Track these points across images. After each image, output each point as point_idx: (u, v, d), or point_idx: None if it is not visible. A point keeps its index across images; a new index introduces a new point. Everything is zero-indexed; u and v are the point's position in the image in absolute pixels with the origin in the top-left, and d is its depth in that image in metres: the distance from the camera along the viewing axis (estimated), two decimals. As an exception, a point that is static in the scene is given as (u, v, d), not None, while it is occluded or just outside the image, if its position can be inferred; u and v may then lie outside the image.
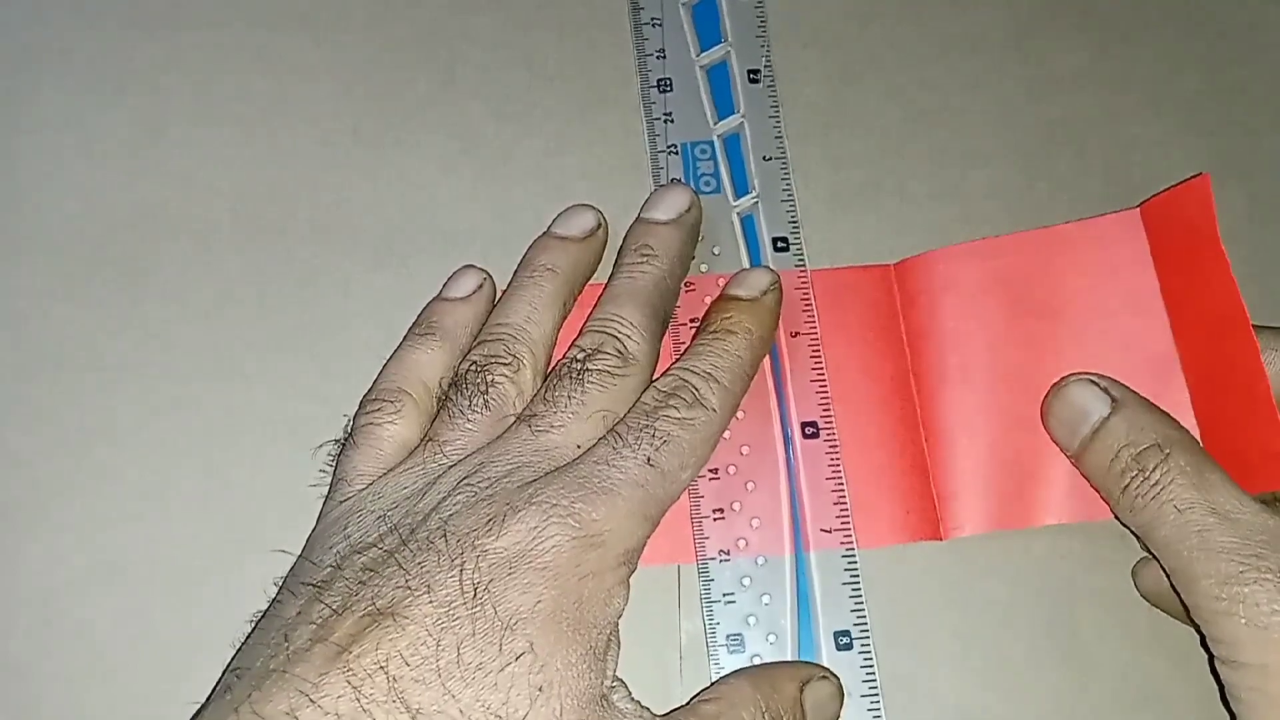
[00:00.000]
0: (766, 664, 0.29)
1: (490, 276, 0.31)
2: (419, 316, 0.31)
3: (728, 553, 0.30)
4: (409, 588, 0.23)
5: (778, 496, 0.30)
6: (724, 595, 0.29)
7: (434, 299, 0.31)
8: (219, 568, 0.29)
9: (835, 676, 0.28)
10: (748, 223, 0.33)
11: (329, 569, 0.25)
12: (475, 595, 0.23)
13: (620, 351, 0.28)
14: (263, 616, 0.26)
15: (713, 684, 0.27)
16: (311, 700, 0.21)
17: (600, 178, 0.33)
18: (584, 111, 0.34)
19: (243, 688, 0.22)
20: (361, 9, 0.35)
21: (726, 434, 0.30)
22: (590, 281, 0.32)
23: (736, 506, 0.30)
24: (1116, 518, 0.28)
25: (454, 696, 0.22)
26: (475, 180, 0.33)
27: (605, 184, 0.33)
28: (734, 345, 0.29)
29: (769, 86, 0.34)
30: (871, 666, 0.29)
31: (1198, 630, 0.26)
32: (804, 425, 0.31)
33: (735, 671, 0.27)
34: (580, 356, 0.28)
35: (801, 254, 0.32)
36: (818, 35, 0.35)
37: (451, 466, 0.27)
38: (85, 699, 0.29)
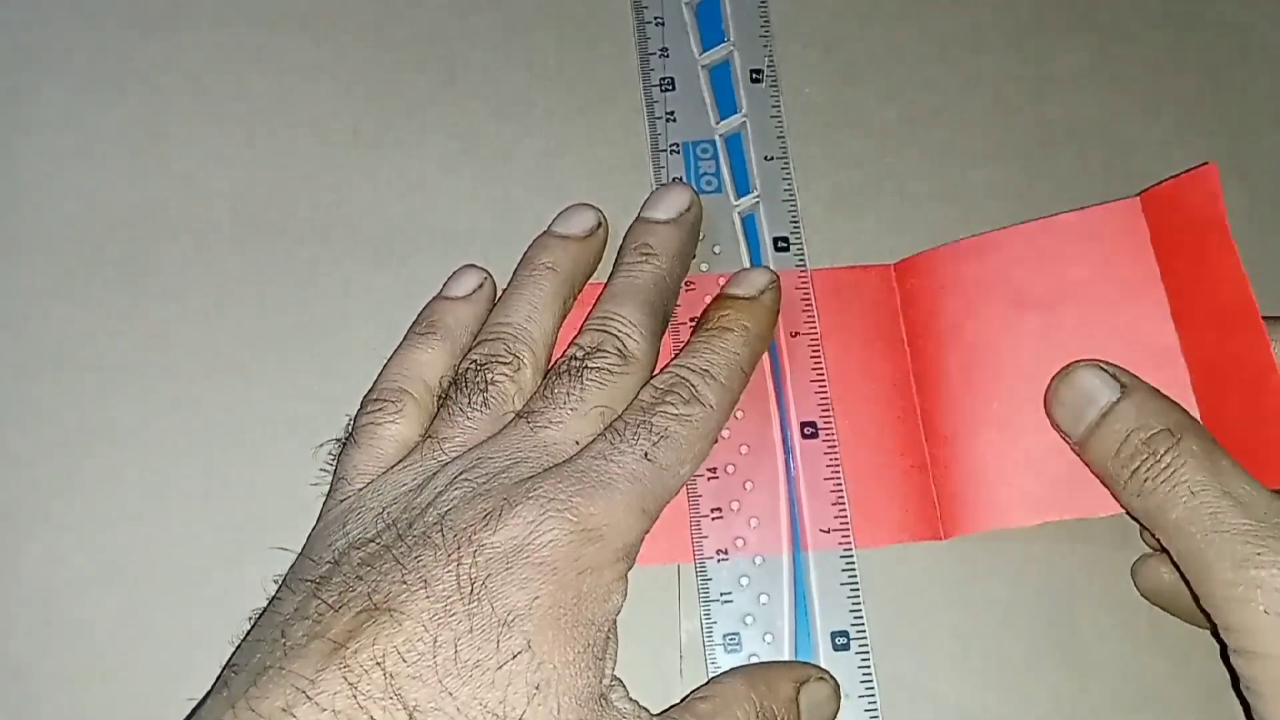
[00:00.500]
0: (763, 663, 0.29)
1: (490, 276, 0.31)
2: (419, 316, 0.31)
3: (726, 552, 0.30)
4: (405, 583, 0.23)
5: (776, 496, 0.30)
6: (721, 595, 0.29)
7: (434, 298, 0.31)
8: (219, 567, 0.29)
9: (832, 678, 0.28)
10: (749, 222, 0.33)
11: (328, 565, 0.25)
12: (472, 591, 0.23)
13: (620, 350, 0.28)
14: (261, 613, 0.25)
15: (708, 682, 0.27)
16: (308, 697, 0.21)
17: (601, 177, 0.33)
18: (584, 111, 0.34)
19: (239, 684, 0.22)
20: (361, 9, 0.35)
21: (725, 433, 0.30)
22: (591, 280, 0.32)
23: (735, 506, 0.30)
24: (1121, 506, 0.27)
25: (451, 694, 0.22)
26: (475, 180, 0.33)
27: (606, 183, 0.33)
28: (731, 343, 0.29)
29: (771, 86, 0.34)
30: (869, 667, 0.29)
31: (1208, 620, 0.25)
32: (803, 425, 0.31)
33: (731, 669, 0.27)
34: (579, 354, 0.28)
35: (802, 254, 0.32)
36: (819, 35, 0.35)
37: (449, 462, 0.27)
38: (85, 699, 0.29)
